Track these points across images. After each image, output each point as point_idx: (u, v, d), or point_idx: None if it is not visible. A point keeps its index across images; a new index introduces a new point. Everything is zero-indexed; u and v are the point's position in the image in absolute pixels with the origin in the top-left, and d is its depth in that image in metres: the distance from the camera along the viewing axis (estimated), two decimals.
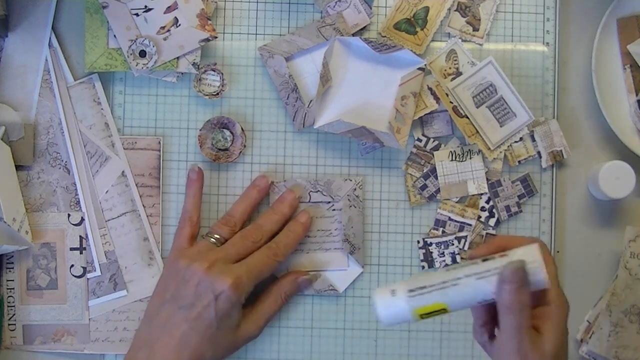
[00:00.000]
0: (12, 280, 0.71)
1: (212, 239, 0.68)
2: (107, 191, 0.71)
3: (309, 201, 0.72)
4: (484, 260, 0.55)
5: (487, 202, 0.73)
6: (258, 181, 0.71)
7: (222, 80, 0.71)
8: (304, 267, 0.72)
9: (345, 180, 0.72)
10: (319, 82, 0.69)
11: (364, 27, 0.72)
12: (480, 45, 0.73)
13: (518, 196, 0.73)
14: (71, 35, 0.72)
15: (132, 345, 0.66)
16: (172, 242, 0.70)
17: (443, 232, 0.73)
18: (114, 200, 0.71)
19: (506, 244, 0.57)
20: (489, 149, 0.72)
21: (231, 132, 0.71)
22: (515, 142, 0.73)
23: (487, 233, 0.73)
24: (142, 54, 0.69)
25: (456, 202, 0.73)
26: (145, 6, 0.69)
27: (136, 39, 0.69)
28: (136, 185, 0.71)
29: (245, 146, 0.72)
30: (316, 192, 0.72)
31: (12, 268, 0.71)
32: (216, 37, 0.70)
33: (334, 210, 0.72)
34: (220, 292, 0.63)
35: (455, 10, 0.73)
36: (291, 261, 0.72)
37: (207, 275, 0.64)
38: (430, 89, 0.72)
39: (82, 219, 0.71)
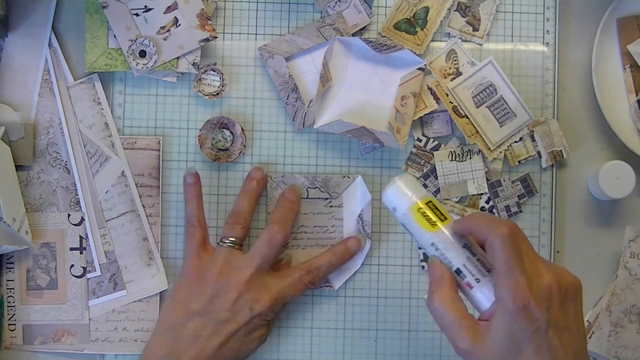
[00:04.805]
0: (12, 280, 0.71)
1: (227, 243, 0.68)
2: (107, 191, 0.71)
3: (307, 197, 0.72)
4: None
5: (487, 202, 0.73)
6: (254, 173, 0.71)
7: (222, 80, 0.71)
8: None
9: (344, 177, 0.72)
10: (319, 82, 0.69)
11: (364, 27, 0.72)
12: (480, 45, 0.73)
13: (518, 196, 0.73)
14: (71, 35, 0.72)
15: (151, 350, 0.65)
16: (174, 245, 0.70)
17: None
18: (114, 200, 0.71)
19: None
20: (489, 149, 0.72)
21: (231, 132, 0.71)
22: (515, 142, 0.73)
23: None
24: (142, 54, 0.69)
25: (456, 202, 0.73)
26: (145, 6, 0.69)
27: (136, 39, 0.69)
28: (136, 185, 0.71)
29: (245, 146, 0.72)
30: (314, 188, 0.72)
31: (12, 268, 0.71)
32: (216, 37, 0.70)
33: (331, 206, 0.72)
34: (258, 314, 0.65)
35: (455, 10, 0.73)
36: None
37: (246, 293, 0.65)
38: (430, 89, 0.72)
39: (82, 219, 0.71)
